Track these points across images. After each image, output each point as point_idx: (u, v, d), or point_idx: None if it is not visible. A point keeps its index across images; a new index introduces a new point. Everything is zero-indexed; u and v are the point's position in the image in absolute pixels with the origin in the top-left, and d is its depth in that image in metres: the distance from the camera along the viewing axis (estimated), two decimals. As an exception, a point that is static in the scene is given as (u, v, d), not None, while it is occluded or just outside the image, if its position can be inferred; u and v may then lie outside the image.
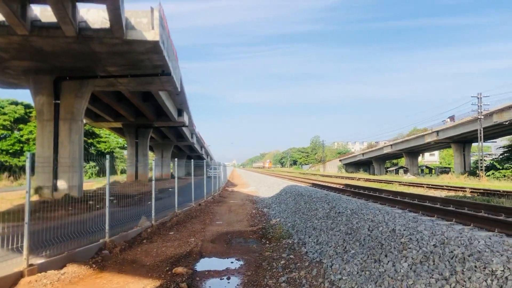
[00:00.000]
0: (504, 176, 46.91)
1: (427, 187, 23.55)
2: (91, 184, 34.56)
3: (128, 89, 28.30)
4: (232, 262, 9.07)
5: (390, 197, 15.08)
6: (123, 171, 69.68)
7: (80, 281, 7.63)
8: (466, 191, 19.42)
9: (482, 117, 42.21)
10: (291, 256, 9.07)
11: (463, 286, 4.72)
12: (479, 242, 5.71)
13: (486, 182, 36.25)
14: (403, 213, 9.93)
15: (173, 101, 37.32)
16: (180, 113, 41.33)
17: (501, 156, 55.45)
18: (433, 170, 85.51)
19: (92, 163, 57.09)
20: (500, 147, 63.80)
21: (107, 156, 10.64)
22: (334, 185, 25.59)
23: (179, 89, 28.83)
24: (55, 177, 21.44)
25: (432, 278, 5.20)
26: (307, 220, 12.50)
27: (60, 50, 18.91)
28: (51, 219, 13.81)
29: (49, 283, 7.30)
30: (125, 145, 56.27)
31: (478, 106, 42.18)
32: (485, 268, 4.75)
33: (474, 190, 19.31)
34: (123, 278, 7.77)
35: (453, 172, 62.78)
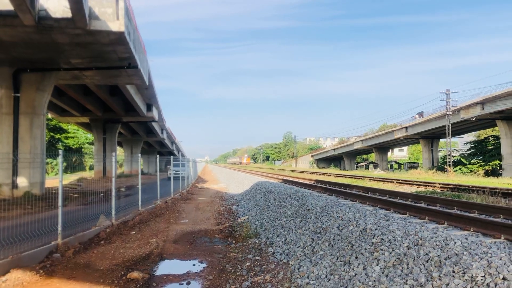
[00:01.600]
0: (471, 171, 47.84)
1: (397, 182, 23.46)
2: (58, 181, 33.15)
3: (94, 83, 27.23)
4: (194, 265, 8.46)
5: (360, 193, 14.72)
6: (92, 167, 67.95)
7: (23, 290, 6.89)
8: (436, 186, 19.35)
9: (450, 113, 42.76)
10: (257, 257, 8.54)
11: (440, 293, 4.27)
12: (455, 243, 5.29)
13: (453, 177, 36.69)
14: (374, 211, 9.54)
15: (141, 96, 36.30)
16: (149, 108, 40.31)
17: (468, 152, 56.59)
18: (402, 165, 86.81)
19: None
20: (467, 143, 65.21)
21: (60, 152, 9.84)
22: (305, 181, 25.23)
23: (147, 83, 27.94)
24: (15, 174, 20.42)
25: (407, 284, 4.74)
26: (276, 218, 11.99)
27: (19, 40, 17.86)
28: (4, 219, 12.89)
29: (-14, 293, 6.55)
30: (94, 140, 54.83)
31: (447, 102, 42.65)
32: (464, 273, 4.32)
33: (444, 185, 19.28)
34: (72, 285, 7.07)
35: (421, 167, 63.78)
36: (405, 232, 6.22)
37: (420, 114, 64.42)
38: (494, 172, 46.66)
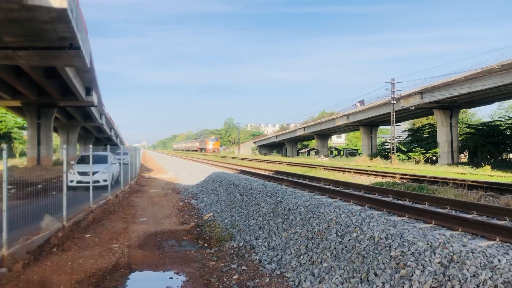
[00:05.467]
0: (409, 158, 49.53)
1: (353, 172, 23.31)
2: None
3: (29, 64, 24.61)
4: (171, 278, 7.37)
5: (332, 187, 14.17)
6: (22, 154, 63.45)
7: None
8: (395, 177, 19.28)
9: (395, 101, 43.79)
10: (243, 268, 7.59)
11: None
12: (499, 260, 4.68)
13: (397, 165, 37.65)
14: (367, 211, 8.89)
15: (81, 79, 33.66)
16: (88, 92, 37.61)
17: (408, 139, 58.65)
18: (342, 152, 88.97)
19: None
20: (405, 131, 67.69)
21: (4, 146, 8.30)
22: (264, 172, 24.44)
23: (88, 65, 25.75)
24: None
25: (465, 316, 4.07)
26: (249, 216, 11.08)
27: None
28: None
29: None
30: (25, 125, 50.79)
31: (391, 91, 43.60)
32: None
33: (403, 176, 19.27)
34: (29, 314, 5.79)
35: (360, 154, 65.44)
36: (427, 244, 5.56)
37: (361, 102, 65.84)
38: (431, 159, 48.61)
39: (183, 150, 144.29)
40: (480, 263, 4.70)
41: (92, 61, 29.36)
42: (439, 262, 5.04)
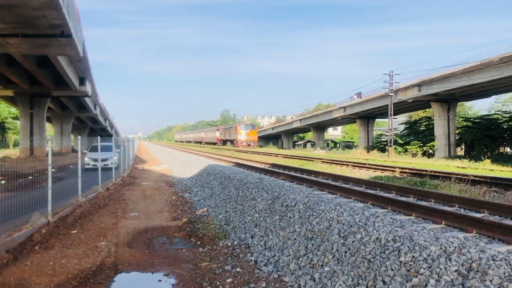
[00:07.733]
0: (406, 151, 49.15)
1: (351, 165, 22.77)
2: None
3: (20, 52, 23.91)
4: (160, 281, 6.83)
5: (331, 182, 13.66)
6: (16, 144, 62.91)
7: None
8: (395, 171, 18.77)
9: (393, 94, 43.28)
10: (238, 269, 7.06)
11: None
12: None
13: (394, 158, 37.20)
14: (370, 209, 8.37)
15: (74, 68, 32.98)
16: (82, 81, 36.96)
17: (404, 132, 58.24)
18: (338, 144, 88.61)
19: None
20: (402, 123, 67.31)
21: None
22: (260, 165, 23.86)
23: (81, 54, 25.11)
24: None
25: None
26: (244, 212, 10.54)
27: None
28: None
29: None
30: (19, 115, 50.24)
31: (390, 83, 43.02)
32: None
33: (402, 170, 18.77)
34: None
35: (357, 146, 65.00)
36: (441, 248, 5.04)
37: (358, 94, 65.24)
38: (428, 152, 48.23)
39: (189, 142, 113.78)
40: (505, 274, 4.19)
41: (85, 50, 28.67)
42: (456, 271, 4.53)
